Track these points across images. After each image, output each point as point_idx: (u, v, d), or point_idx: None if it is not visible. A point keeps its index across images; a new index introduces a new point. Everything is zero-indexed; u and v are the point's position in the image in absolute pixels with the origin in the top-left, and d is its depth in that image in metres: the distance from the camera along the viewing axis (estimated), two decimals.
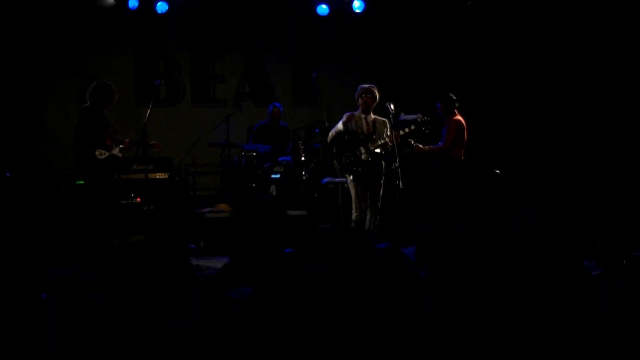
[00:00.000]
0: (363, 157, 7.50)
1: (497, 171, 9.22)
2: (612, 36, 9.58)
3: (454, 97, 8.68)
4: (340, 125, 7.65)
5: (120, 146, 7.74)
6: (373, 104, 7.62)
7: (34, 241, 7.59)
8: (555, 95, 10.19)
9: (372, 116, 7.62)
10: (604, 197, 8.80)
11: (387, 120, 7.58)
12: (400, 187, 7.24)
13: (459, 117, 8.61)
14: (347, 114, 7.70)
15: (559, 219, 8.05)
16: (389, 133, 7.49)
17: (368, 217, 7.54)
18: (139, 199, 8.52)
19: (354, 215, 7.61)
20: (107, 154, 7.65)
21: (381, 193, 7.58)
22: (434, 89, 9.89)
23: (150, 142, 8.11)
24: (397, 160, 7.20)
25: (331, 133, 7.73)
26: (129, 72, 11.00)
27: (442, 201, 8.70)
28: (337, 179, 9.35)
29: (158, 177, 8.75)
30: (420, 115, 7.74)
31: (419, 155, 8.73)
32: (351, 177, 7.61)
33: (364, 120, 7.59)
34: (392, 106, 7.44)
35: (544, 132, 10.24)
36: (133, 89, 10.99)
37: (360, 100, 7.61)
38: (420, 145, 8.38)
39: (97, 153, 7.60)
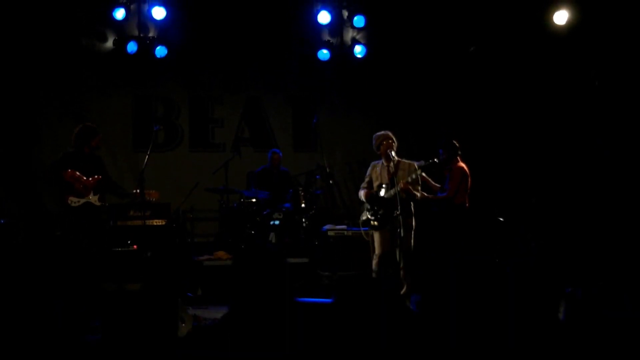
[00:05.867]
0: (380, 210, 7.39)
1: (501, 219, 9.08)
2: (615, 80, 9.55)
3: (457, 144, 8.59)
4: (366, 178, 7.62)
5: (97, 195, 7.57)
6: (391, 150, 7.38)
7: (28, 287, 7.35)
8: (559, 140, 10.12)
9: (397, 159, 7.38)
10: (606, 241, 8.68)
11: (413, 163, 7.41)
12: (402, 234, 7.04)
13: (462, 165, 8.52)
14: (373, 163, 7.65)
15: (559, 262, 7.93)
16: (413, 176, 7.31)
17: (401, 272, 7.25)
18: (135, 246, 8.32)
19: (373, 265, 7.47)
20: (81, 201, 7.51)
21: (412, 243, 7.36)
22: (437, 133, 9.80)
23: (147, 192, 7.96)
24: (398, 207, 7.01)
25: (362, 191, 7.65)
26: (127, 115, 10.79)
27: (446, 247, 8.55)
28: (338, 227, 9.22)
29: (155, 223, 8.57)
30: (422, 162, 7.56)
31: (423, 203, 8.56)
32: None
33: (386, 169, 7.45)
34: (393, 153, 7.32)
35: (548, 177, 10.15)
36: (131, 132, 10.79)
37: (381, 148, 7.46)
38: (425, 194, 8.22)
39: (69, 200, 7.48)
